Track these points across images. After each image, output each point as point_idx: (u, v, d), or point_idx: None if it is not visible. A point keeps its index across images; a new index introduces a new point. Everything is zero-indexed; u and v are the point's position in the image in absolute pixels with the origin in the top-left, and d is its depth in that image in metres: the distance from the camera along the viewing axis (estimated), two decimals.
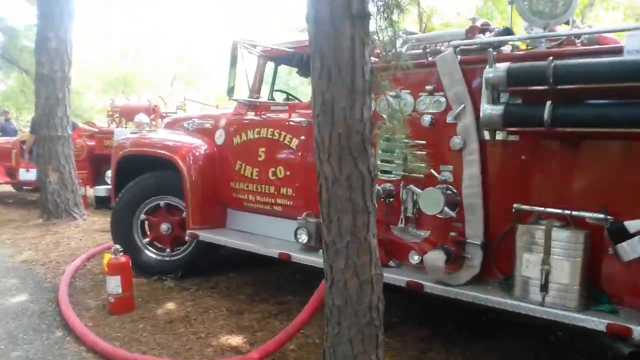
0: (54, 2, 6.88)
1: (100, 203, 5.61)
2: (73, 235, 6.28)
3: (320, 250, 3.54)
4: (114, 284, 3.73)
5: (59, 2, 6.91)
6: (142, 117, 5.03)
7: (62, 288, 4.13)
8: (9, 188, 10.09)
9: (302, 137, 3.74)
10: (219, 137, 4.36)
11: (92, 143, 8.38)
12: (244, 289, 4.24)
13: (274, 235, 4.02)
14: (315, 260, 3.37)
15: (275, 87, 4.62)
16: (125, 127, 9.13)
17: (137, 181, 4.54)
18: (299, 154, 3.75)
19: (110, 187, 5.03)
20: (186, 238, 4.34)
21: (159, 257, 4.56)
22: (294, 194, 3.79)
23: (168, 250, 4.55)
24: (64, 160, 7.05)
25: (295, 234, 3.60)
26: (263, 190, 3.99)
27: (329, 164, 1.98)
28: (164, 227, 4.51)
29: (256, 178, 4.02)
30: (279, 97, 4.64)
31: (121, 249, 3.82)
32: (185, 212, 4.30)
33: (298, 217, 3.63)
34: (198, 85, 20.09)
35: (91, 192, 8.55)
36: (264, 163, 3.97)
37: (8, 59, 12.43)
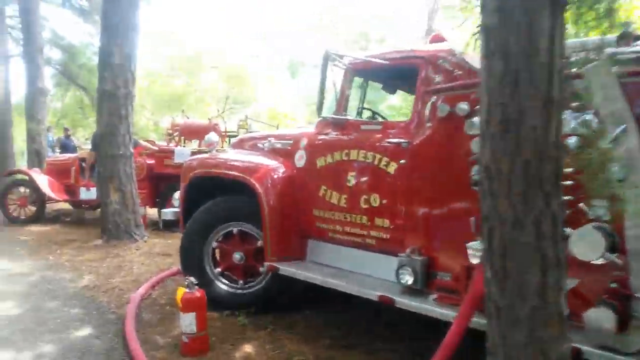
0: (118, 15, 6.73)
1: (167, 227, 5.31)
2: (134, 259, 6.00)
3: (431, 296, 3.06)
4: (188, 322, 3.33)
5: (124, 15, 6.76)
6: (212, 136, 4.71)
7: (129, 322, 3.77)
8: (66, 206, 10.09)
9: (402, 161, 3.25)
10: (300, 159, 3.94)
11: (152, 162, 8.19)
12: (327, 331, 3.74)
13: (363, 271, 3.53)
14: (427, 308, 2.84)
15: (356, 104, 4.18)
16: (184, 146, 8.94)
17: (210, 205, 4.18)
18: (399, 180, 3.26)
19: (177, 210, 4.69)
20: (261, 269, 3.94)
21: (231, 290, 4.15)
22: (391, 226, 3.30)
23: (241, 282, 4.13)
24: (125, 180, 6.85)
25: (397, 274, 3.09)
26: (353, 220, 3.52)
27: (509, 200, 1.47)
28: (237, 256, 4.11)
29: (344, 206, 3.56)
30: (364, 116, 4.21)
31: (196, 282, 3.42)
32: (261, 241, 3.90)
33: (399, 254, 3.13)
34: (249, 103, 20.07)
35: (151, 212, 8.37)
36: (354, 189, 3.51)
37: (67, 76, 12.63)
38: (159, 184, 8.20)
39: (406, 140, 3.24)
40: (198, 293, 3.39)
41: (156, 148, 8.36)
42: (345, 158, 3.59)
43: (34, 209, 8.95)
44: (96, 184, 7.64)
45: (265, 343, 3.55)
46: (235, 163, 4.14)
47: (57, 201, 8.93)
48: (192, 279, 3.45)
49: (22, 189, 9.08)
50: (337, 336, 3.67)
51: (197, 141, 9.26)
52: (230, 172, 4.03)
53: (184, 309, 3.35)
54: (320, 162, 3.76)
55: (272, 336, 3.68)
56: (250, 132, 7.72)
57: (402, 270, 3.08)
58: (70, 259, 6.09)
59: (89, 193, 7.72)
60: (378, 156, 3.38)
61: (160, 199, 8.02)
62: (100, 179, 6.91)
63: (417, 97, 3.34)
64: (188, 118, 9.00)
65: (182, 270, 4.37)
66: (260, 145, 4.39)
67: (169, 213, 4.76)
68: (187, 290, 3.39)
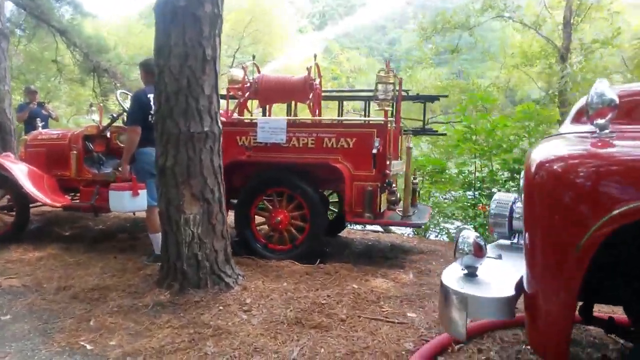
0: None
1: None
2: (263, 343, 3.04)
3: None
4: None
5: None
6: (606, 90, 1.78)
7: None
8: (46, 209, 6.73)
9: None
10: None
11: None
12: None
13: None
14: None
15: None
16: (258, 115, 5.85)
17: None
18: None
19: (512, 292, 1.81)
20: None
21: None
22: None
23: None
24: (212, 180, 3.77)
25: None
26: None
27: None
28: None
29: None
30: None
31: None
32: None
33: None
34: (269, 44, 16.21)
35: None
36: None
37: (37, 14, 8.82)
38: (230, 179, 5.11)
39: None
40: None
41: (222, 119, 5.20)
42: None
43: (9, 219, 5.66)
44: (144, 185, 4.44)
45: None
46: None
47: (50, 206, 5.61)
48: None
49: None
50: None
51: (263, 108, 6.17)
52: None
53: None
54: None
55: None
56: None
57: None
58: (131, 347, 3.05)
59: (135, 201, 4.38)
60: None
61: (239, 206, 4.93)
62: (162, 178, 3.76)
63: None
64: (259, 70, 5.77)
65: None
66: None
67: (504, 303, 1.83)
68: None
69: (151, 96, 4.41)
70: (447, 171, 7.62)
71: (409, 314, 3.51)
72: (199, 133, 3.66)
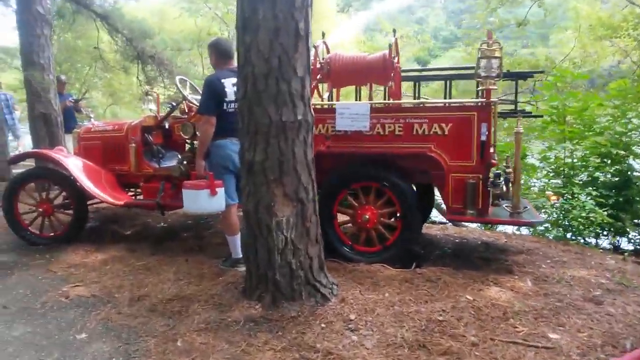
0: None
1: None
2: None
3: None
4: None
5: None
6: None
7: None
8: (104, 205, 6.39)
9: None
10: None
11: None
12: None
13: None
14: None
15: None
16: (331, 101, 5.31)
17: None
18: None
19: None
20: None
21: None
22: None
23: None
24: (306, 177, 3.29)
25: None
26: None
27: None
28: None
29: None
30: None
31: None
32: None
33: None
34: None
35: None
36: None
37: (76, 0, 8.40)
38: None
39: None
40: None
41: None
42: None
43: (66, 218, 5.31)
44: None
45: None
46: None
47: (111, 204, 5.22)
48: None
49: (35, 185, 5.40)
50: None
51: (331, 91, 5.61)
52: None
53: None
54: None
55: None
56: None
57: None
58: None
59: (213, 201, 3.90)
60: None
61: (320, 203, 4.43)
62: (249, 175, 3.29)
63: None
64: (328, 49, 5.23)
65: None
66: None
67: None
68: None
69: (225, 81, 3.94)
70: (527, 157, 6.95)
71: (550, 335, 2.96)
72: (292, 122, 3.16)
